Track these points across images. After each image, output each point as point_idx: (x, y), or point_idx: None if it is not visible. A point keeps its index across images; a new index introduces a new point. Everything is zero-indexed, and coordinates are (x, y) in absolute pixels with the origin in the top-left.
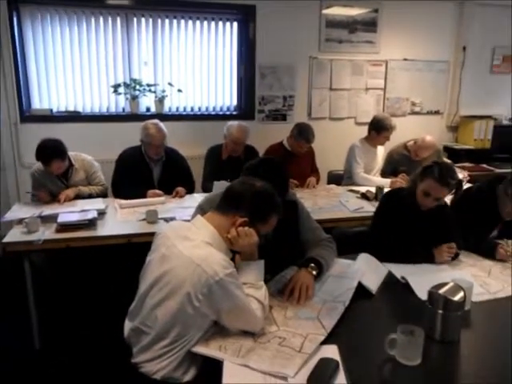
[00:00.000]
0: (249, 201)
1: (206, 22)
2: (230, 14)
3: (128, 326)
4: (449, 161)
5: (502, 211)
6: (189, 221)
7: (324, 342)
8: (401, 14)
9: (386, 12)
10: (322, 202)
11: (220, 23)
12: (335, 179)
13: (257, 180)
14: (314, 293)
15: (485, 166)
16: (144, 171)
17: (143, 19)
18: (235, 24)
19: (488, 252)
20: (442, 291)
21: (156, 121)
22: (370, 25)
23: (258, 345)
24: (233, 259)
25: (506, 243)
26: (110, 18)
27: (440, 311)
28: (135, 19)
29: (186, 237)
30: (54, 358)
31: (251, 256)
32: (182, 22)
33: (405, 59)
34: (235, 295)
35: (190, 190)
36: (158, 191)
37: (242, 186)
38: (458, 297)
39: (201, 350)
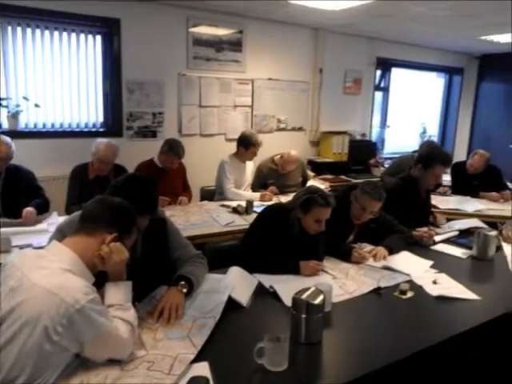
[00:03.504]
0: (114, 217)
1: (65, 33)
2: (92, 26)
3: None
4: (319, 186)
5: (353, 215)
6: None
7: (195, 360)
8: (264, 35)
9: (250, 33)
10: (194, 219)
11: (82, 35)
12: (208, 195)
13: (111, 197)
14: (184, 311)
15: (343, 177)
16: None
17: None
18: (98, 37)
19: (345, 256)
20: (304, 296)
21: None
22: (235, 45)
23: (124, 373)
24: (97, 284)
25: (359, 246)
26: None
27: (303, 315)
28: None
29: (40, 265)
30: None
31: (120, 275)
32: (38, 31)
33: (269, 79)
34: (99, 323)
35: (44, 209)
36: (30, 209)
37: (102, 203)
38: (318, 300)
39: None
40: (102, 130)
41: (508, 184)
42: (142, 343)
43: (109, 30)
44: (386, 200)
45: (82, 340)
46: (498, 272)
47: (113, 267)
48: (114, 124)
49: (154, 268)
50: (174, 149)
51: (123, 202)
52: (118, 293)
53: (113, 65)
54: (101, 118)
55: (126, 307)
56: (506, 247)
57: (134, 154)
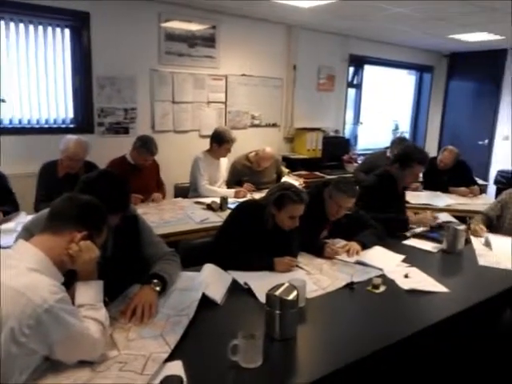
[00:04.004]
0: (83, 215)
1: (32, 26)
2: (60, 19)
3: None
4: (292, 182)
5: (328, 212)
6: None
7: (169, 359)
8: (237, 31)
9: (224, 29)
10: (168, 216)
11: (49, 28)
12: (182, 192)
13: (80, 194)
14: (157, 310)
15: (317, 173)
16: None
17: None
18: (67, 31)
19: (318, 251)
20: (277, 292)
21: None
22: (209, 40)
23: (96, 374)
24: (66, 284)
25: (332, 242)
26: None
27: (277, 311)
28: None
29: (6, 265)
30: None
31: (91, 274)
32: (2, 23)
33: (243, 75)
34: (69, 323)
35: (12, 209)
36: None
37: (70, 201)
38: (291, 296)
39: None
40: (72, 126)
41: (476, 179)
42: (113, 343)
43: (78, 24)
44: (363, 196)
45: (50, 341)
46: (467, 265)
47: (83, 266)
48: (84, 120)
49: (126, 266)
50: (146, 145)
51: (92, 200)
52: (89, 292)
53: (82, 59)
54: (71, 114)
55: (98, 307)
56: (474, 240)
57: (106, 150)
